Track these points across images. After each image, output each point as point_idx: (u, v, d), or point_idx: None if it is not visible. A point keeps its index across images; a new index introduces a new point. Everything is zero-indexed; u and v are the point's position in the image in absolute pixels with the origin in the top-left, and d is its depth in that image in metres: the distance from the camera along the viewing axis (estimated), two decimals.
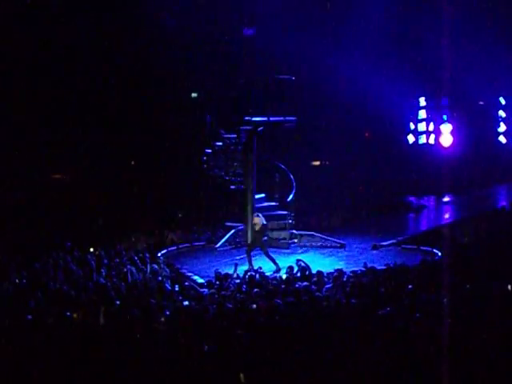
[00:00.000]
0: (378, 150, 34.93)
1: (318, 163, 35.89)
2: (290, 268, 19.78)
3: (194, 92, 33.29)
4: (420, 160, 36.58)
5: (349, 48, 31.63)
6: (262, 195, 26.20)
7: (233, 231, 25.57)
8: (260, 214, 22.57)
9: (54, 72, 30.25)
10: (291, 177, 26.49)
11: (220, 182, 25.93)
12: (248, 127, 24.96)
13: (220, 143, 25.45)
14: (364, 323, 13.50)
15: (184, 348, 12.46)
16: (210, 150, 25.64)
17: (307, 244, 25.87)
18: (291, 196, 26.13)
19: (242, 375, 11.51)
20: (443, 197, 34.08)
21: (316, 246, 25.88)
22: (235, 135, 25.36)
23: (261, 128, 25.19)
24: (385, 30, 32.05)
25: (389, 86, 33.64)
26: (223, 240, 25.27)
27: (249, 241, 23.62)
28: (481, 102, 36.89)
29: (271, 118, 24.99)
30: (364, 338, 12.57)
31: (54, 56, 30.04)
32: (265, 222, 22.29)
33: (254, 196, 25.15)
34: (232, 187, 25.69)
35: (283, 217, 25.76)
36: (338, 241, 25.71)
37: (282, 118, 25.17)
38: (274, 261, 21.56)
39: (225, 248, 25.17)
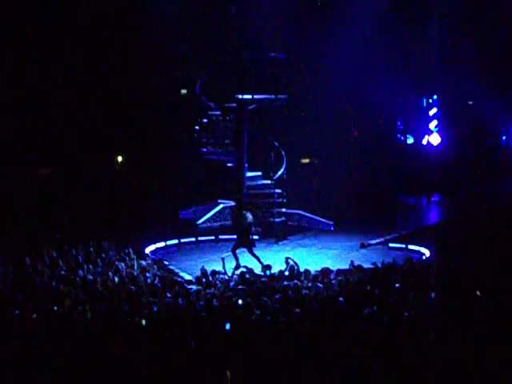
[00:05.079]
0: (367, 148, 34.94)
1: (307, 161, 35.83)
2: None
3: (184, 88, 33.25)
4: (409, 159, 36.67)
5: (339, 45, 31.58)
6: (258, 173, 26.09)
7: (218, 208, 25.30)
8: (249, 213, 22.42)
9: (41, 65, 30.12)
10: (282, 153, 26.32)
11: (214, 159, 25.86)
12: (239, 104, 24.92)
13: (205, 120, 25.40)
14: (351, 322, 13.53)
15: (170, 344, 12.46)
16: (198, 127, 25.62)
17: (295, 224, 25.86)
18: (280, 172, 26.00)
19: (228, 372, 11.51)
20: (433, 196, 34.16)
21: (303, 225, 25.88)
22: (224, 112, 25.31)
23: (253, 106, 25.15)
24: (376, 28, 32.02)
25: (378, 84, 33.67)
26: (207, 216, 25.00)
27: (234, 221, 23.44)
28: (470, 102, 36.95)
29: (263, 96, 24.99)
30: (350, 337, 12.59)
31: (42, 51, 29.87)
32: (251, 221, 22.14)
33: (245, 174, 25.01)
34: (229, 165, 25.58)
35: (275, 195, 25.59)
36: (325, 221, 25.70)
37: (273, 96, 25.14)
38: (258, 259, 21.50)
39: (207, 225, 24.94)
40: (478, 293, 15.69)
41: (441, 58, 33.57)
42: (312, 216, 26.13)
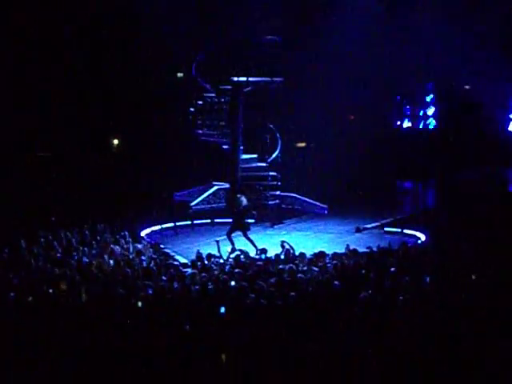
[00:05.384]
0: (363, 132, 34.88)
1: (303, 145, 35.78)
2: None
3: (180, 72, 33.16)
4: (405, 143, 36.66)
5: (337, 29, 31.46)
6: (254, 156, 26.02)
7: (211, 191, 25.27)
8: (243, 196, 22.45)
9: (39, 49, 30.06)
10: (277, 135, 26.24)
11: (211, 141, 25.80)
12: (234, 87, 24.85)
13: (201, 102, 25.36)
14: (346, 305, 13.55)
15: (165, 327, 12.47)
16: (193, 109, 25.56)
17: (288, 207, 25.83)
18: (275, 155, 25.92)
19: (223, 356, 11.54)
20: (428, 180, 34.18)
21: (297, 209, 25.84)
22: (220, 94, 25.24)
23: (248, 88, 25.07)
24: (371, 13, 31.91)
25: (375, 68, 33.61)
26: (200, 198, 24.98)
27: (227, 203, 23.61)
28: (466, 87, 36.86)
29: (258, 79, 24.93)
30: (345, 321, 12.61)
31: (41, 35, 29.79)
32: (245, 205, 22.20)
33: (239, 156, 24.97)
34: (225, 147, 25.51)
35: (271, 178, 25.51)
36: (319, 205, 25.70)
37: (269, 79, 25.06)
38: (253, 243, 21.51)
39: (200, 207, 24.91)
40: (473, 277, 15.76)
41: (438, 44, 33.46)
42: (306, 199, 26.10)
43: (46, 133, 31.13)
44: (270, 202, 25.56)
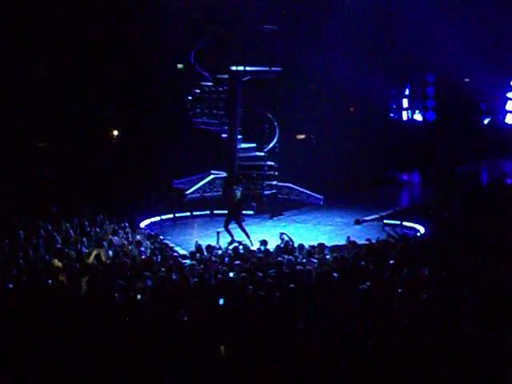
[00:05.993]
0: (363, 124, 34.87)
1: (303, 137, 35.74)
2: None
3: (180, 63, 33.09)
4: (404, 135, 36.66)
5: (337, 21, 31.43)
6: (253, 145, 25.95)
7: (207, 179, 25.24)
8: (238, 189, 22.44)
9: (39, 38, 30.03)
10: (275, 124, 26.13)
11: (211, 130, 25.74)
12: (232, 76, 24.78)
13: (198, 90, 25.30)
14: (345, 297, 13.55)
15: (163, 318, 12.47)
16: (191, 97, 25.52)
17: (284, 196, 25.79)
18: (272, 144, 25.83)
19: (222, 347, 11.54)
20: (427, 172, 34.18)
21: (293, 199, 25.82)
22: (217, 83, 25.19)
23: (247, 77, 25.01)
24: (373, 5, 31.85)
25: (374, 60, 33.61)
26: (196, 187, 24.95)
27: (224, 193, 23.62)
28: (466, 79, 36.86)
29: (257, 68, 24.87)
30: (344, 312, 12.62)
31: (41, 23, 29.76)
32: (240, 197, 22.22)
33: (236, 145, 24.90)
34: (223, 136, 25.45)
35: (267, 167, 25.41)
36: (315, 195, 25.69)
37: (267, 69, 25.01)
38: (246, 234, 21.48)
39: (195, 195, 24.87)
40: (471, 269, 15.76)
41: (437, 35, 33.44)
42: (302, 190, 26.05)
43: (46, 123, 31.06)
44: (266, 192, 25.47)
